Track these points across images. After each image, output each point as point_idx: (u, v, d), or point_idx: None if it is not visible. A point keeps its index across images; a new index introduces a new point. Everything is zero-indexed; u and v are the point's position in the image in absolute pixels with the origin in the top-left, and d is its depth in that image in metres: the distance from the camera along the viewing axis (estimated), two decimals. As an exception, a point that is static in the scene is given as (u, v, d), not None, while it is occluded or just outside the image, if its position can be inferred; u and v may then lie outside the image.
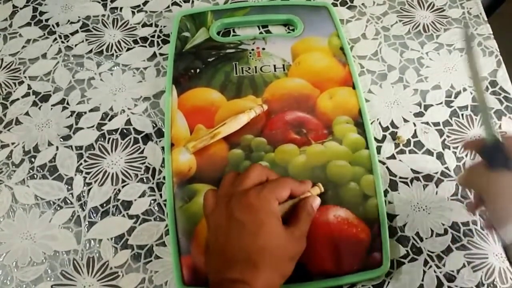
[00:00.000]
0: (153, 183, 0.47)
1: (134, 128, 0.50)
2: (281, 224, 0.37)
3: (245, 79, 0.52)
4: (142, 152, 0.49)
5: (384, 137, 0.49)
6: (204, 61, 0.53)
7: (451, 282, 0.42)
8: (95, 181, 0.47)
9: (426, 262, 0.43)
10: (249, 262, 0.35)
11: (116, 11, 0.59)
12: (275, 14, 0.57)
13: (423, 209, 0.45)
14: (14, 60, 0.56)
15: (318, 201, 0.41)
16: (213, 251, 0.38)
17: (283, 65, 0.52)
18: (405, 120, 0.50)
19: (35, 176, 0.48)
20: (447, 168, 0.47)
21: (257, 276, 0.34)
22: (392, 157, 0.48)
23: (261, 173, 0.40)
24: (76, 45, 0.57)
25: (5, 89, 0.54)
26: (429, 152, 0.48)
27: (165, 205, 0.46)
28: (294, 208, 0.40)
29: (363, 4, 0.59)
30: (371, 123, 0.49)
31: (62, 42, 0.57)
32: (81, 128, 0.51)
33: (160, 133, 0.50)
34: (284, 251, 0.36)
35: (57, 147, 0.50)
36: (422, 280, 0.42)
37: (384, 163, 0.48)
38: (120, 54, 0.56)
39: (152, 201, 0.46)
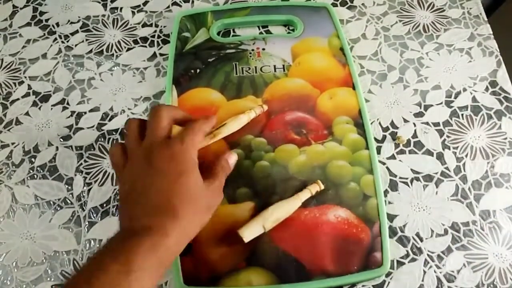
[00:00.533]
0: (153, 183, 0.47)
1: (134, 128, 0.50)
2: (200, 174, 0.37)
3: (245, 79, 0.52)
4: (142, 152, 0.49)
5: (384, 137, 0.49)
6: (204, 61, 0.53)
7: (451, 283, 0.42)
8: (95, 181, 0.48)
9: (426, 262, 0.43)
10: (167, 208, 0.34)
11: (116, 11, 0.59)
12: (275, 14, 0.57)
13: (423, 209, 0.45)
14: (14, 60, 0.56)
15: (234, 157, 0.43)
16: (128, 200, 0.36)
17: (283, 65, 0.53)
18: (405, 120, 0.50)
19: (35, 176, 0.48)
20: (447, 168, 0.47)
21: (175, 222, 0.34)
22: (392, 157, 0.48)
23: (168, 114, 0.39)
24: (76, 45, 0.57)
25: (5, 89, 0.54)
26: (429, 152, 0.48)
27: (165, 205, 0.46)
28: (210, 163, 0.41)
29: (363, 4, 0.59)
30: (371, 123, 0.49)
31: (62, 42, 0.57)
32: (81, 128, 0.51)
33: (160, 133, 0.50)
34: (203, 199, 0.37)
35: (57, 147, 0.50)
36: (422, 281, 0.42)
37: (384, 163, 0.48)
38: (120, 54, 0.56)
39: (152, 201, 0.46)
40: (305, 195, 0.44)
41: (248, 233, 0.41)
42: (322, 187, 0.44)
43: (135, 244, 0.32)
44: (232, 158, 0.43)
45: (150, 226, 0.33)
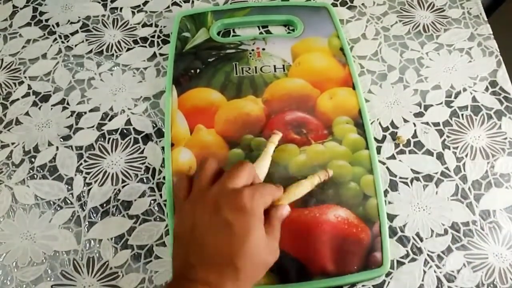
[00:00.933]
0: (153, 183, 0.47)
1: (134, 128, 0.50)
2: (264, 231, 0.36)
3: (245, 79, 0.52)
4: (142, 152, 0.49)
5: (384, 137, 0.49)
6: (204, 61, 0.53)
7: (451, 282, 0.42)
8: (95, 181, 0.48)
9: (426, 262, 0.43)
10: (230, 269, 0.34)
11: (116, 11, 0.59)
12: (275, 14, 0.57)
13: (423, 209, 0.45)
14: (14, 60, 0.56)
15: (287, 210, 0.40)
16: (186, 242, 0.36)
17: (283, 65, 0.53)
18: (405, 120, 0.50)
19: (35, 176, 0.48)
20: (447, 168, 0.47)
21: (233, 281, 0.33)
22: (392, 157, 0.48)
23: (250, 174, 0.39)
24: (76, 45, 0.57)
25: (5, 89, 0.54)
26: (429, 152, 0.48)
27: (165, 205, 0.46)
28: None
29: (363, 4, 0.59)
30: (371, 123, 0.50)
31: (62, 42, 0.57)
32: (81, 128, 0.51)
33: (160, 133, 0.50)
34: (264, 259, 0.36)
35: (57, 147, 0.50)
36: (422, 280, 0.42)
37: (384, 163, 0.48)
38: (120, 54, 0.56)
39: (152, 201, 0.46)
40: (315, 179, 0.44)
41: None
42: (331, 174, 0.45)
43: None
44: (285, 211, 0.40)
45: (208, 281, 0.33)
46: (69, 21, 0.59)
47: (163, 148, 0.48)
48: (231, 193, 0.36)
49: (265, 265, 0.36)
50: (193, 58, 0.53)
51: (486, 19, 0.57)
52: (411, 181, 0.47)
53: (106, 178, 0.48)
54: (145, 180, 0.47)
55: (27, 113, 0.52)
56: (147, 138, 0.50)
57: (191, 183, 0.39)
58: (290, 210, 0.41)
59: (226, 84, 0.51)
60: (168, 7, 0.59)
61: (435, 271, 0.42)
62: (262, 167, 0.44)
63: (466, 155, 0.48)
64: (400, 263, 0.43)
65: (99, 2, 0.60)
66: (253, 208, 0.35)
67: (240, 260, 0.34)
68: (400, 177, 0.47)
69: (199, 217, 0.36)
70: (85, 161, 0.49)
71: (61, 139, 0.50)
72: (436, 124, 0.50)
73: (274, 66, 0.52)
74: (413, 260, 0.43)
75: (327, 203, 0.44)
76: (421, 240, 0.44)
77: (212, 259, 0.34)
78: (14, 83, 0.54)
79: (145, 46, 0.56)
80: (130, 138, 0.50)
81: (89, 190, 0.47)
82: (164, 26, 0.58)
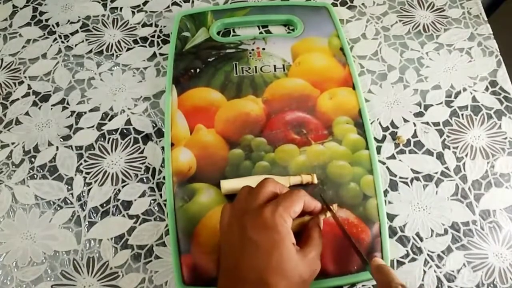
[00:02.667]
0: (153, 183, 0.47)
1: (134, 128, 0.50)
2: (294, 244, 0.36)
3: (245, 79, 0.52)
4: (142, 152, 0.49)
5: (384, 137, 0.49)
6: (204, 61, 0.53)
7: (451, 282, 0.42)
8: (95, 181, 0.48)
9: (426, 262, 0.43)
10: (261, 282, 0.34)
11: (116, 11, 0.59)
12: (275, 14, 0.57)
13: (423, 209, 0.45)
14: (14, 60, 0.56)
15: (322, 220, 0.40)
16: (225, 268, 0.37)
17: (283, 65, 0.53)
18: (405, 120, 0.50)
19: (35, 176, 0.48)
20: (447, 168, 0.47)
21: None
22: (392, 157, 0.48)
23: (274, 188, 0.39)
24: (76, 45, 0.57)
25: (5, 89, 0.54)
26: (429, 152, 0.48)
27: (165, 205, 0.46)
28: (303, 226, 0.39)
29: (363, 4, 0.59)
30: (371, 123, 0.50)
31: (62, 42, 0.57)
32: (81, 128, 0.51)
33: (160, 133, 0.50)
34: (297, 273, 0.35)
35: (57, 147, 0.50)
36: (422, 280, 0.42)
37: (384, 163, 0.48)
38: (120, 54, 0.56)
39: (152, 201, 0.46)
40: (295, 179, 0.45)
41: (227, 184, 0.44)
42: (315, 181, 0.45)
43: None
44: (322, 221, 0.40)
45: None
46: (69, 21, 0.59)
47: (163, 148, 0.48)
48: (253, 212, 0.36)
49: (301, 278, 0.35)
50: (193, 58, 0.53)
51: (486, 19, 0.57)
52: (411, 181, 0.47)
53: (106, 178, 0.48)
54: (145, 180, 0.47)
55: (27, 113, 0.52)
56: (147, 138, 0.50)
57: None
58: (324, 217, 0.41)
59: (226, 84, 0.51)
60: (168, 6, 0.59)
61: (435, 271, 0.42)
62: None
63: (466, 155, 0.48)
64: (400, 263, 0.43)
65: (99, 2, 0.60)
66: (275, 224, 0.35)
67: (269, 276, 0.34)
68: (400, 177, 0.47)
69: (230, 239, 0.37)
70: (85, 161, 0.49)
71: (61, 139, 0.50)
72: (436, 124, 0.50)
73: (274, 66, 0.52)
74: (413, 260, 0.43)
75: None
76: (421, 240, 0.44)
77: (246, 278, 0.34)
78: (14, 83, 0.54)
79: (145, 46, 0.56)
80: (130, 138, 0.50)
81: (89, 190, 0.47)
82: (164, 26, 0.58)
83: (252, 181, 0.42)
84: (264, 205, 0.36)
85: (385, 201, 0.45)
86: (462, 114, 0.50)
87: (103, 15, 0.59)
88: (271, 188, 0.38)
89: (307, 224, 0.39)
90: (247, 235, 0.35)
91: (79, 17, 0.59)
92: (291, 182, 0.45)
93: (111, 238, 0.45)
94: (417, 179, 0.47)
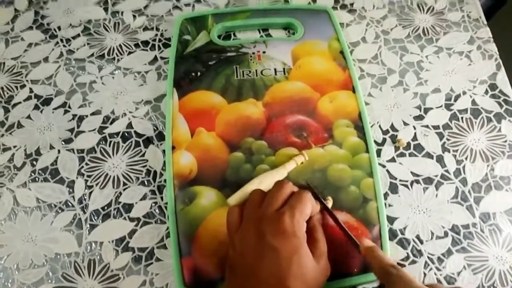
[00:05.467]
0: (154, 186, 0.47)
1: (135, 131, 0.51)
2: (309, 250, 0.37)
3: (246, 82, 0.52)
4: (143, 155, 0.49)
5: (384, 140, 0.49)
6: (205, 65, 0.53)
7: (452, 285, 0.42)
8: (96, 184, 0.48)
9: (426, 265, 0.43)
10: (282, 287, 0.34)
11: (117, 15, 0.60)
12: (275, 17, 0.57)
13: (423, 212, 0.45)
14: (16, 63, 0.56)
15: (318, 218, 0.41)
16: (240, 272, 0.37)
17: (284, 68, 0.53)
18: (405, 123, 0.50)
19: (37, 179, 0.48)
20: (447, 171, 0.47)
21: None
22: (392, 160, 0.48)
23: (288, 191, 0.39)
24: (77, 49, 0.57)
25: (7, 93, 0.54)
26: (429, 155, 0.48)
27: (166, 207, 0.46)
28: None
29: (363, 8, 0.59)
30: (371, 127, 0.50)
31: (64, 46, 0.57)
32: (83, 132, 0.51)
33: (161, 136, 0.50)
34: (315, 276, 0.36)
35: (58, 150, 0.50)
36: (423, 283, 0.42)
37: (384, 166, 0.48)
38: (121, 58, 0.56)
39: (153, 204, 0.46)
40: (291, 165, 0.45)
41: (236, 200, 0.43)
42: (307, 158, 0.45)
43: None
44: (319, 216, 0.41)
45: None
46: (70, 25, 0.59)
47: (164, 151, 0.48)
48: (272, 219, 0.37)
49: (318, 283, 0.37)
50: (194, 61, 0.53)
51: (485, 22, 0.57)
52: (411, 184, 0.47)
53: (107, 181, 0.48)
54: (146, 183, 0.48)
55: (28, 117, 0.52)
56: (148, 141, 0.50)
57: (241, 215, 0.40)
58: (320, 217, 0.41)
59: (226, 87, 0.51)
60: (169, 10, 0.60)
61: (435, 274, 0.43)
62: (273, 179, 0.44)
63: (466, 158, 0.48)
64: (400, 266, 0.43)
65: (101, 6, 0.61)
66: (294, 231, 0.36)
67: (290, 282, 0.34)
68: (400, 180, 0.47)
69: (247, 244, 0.37)
70: (86, 164, 0.49)
71: (63, 142, 0.50)
72: (436, 127, 0.50)
73: (275, 69, 0.53)
74: (413, 262, 0.43)
75: (327, 206, 0.44)
76: (421, 242, 0.44)
77: (265, 283, 0.35)
78: (16, 87, 0.54)
79: (146, 50, 0.56)
80: (131, 141, 0.50)
81: (90, 193, 0.47)
82: (165, 30, 0.58)
83: (254, 186, 0.43)
84: (282, 211, 0.37)
85: (385, 204, 0.45)
86: (462, 117, 0.50)
87: (105, 19, 0.59)
88: (285, 191, 0.39)
89: (308, 223, 0.39)
90: (266, 242, 0.36)
91: (80, 21, 0.59)
92: (288, 169, 0.45)
93: (112, 241, 0.45)
94: (417, 182, 0.47)
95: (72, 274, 0.43)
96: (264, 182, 0.44)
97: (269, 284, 0.35)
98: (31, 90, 0.54)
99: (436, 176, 0.47)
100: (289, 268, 0.35)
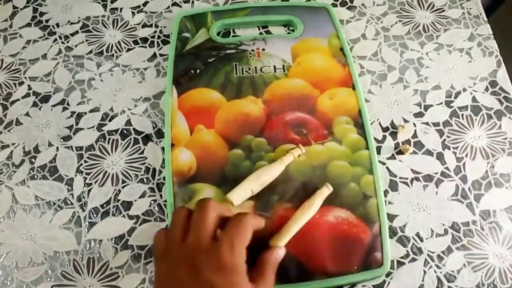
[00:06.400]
0: (153, 184, 0.47)
1: (134, 129, 0.50)
2: (249, 282, 0.33)
3: (245, 79, 0.52)
4: (142, 152, 0.49)
5: (384, 137, 0.49)
6: (204, 62, 0.53)
7: (451, 282, 0.42)
8: (95, 182, 0.48)
9: (426, 262, 0.43)
10: None
11: (116, 11, 0.59)
12: (275, 14, 0.57)
13: (423, 209, 0.45)
14: (14, 60, 0.56)
15: (282, 253, 0.39)
16: None
17: (283, 65, 0.53)
18: (405, 121, 0.50)
19: (35, 176, 0.48)
20: (447, 168, 0.47)
21: None
22: (392, 157, 0.48)
23: (219, 211, 0.36)
24: (76, 45, 0.57)
25: (5, 90, 0.54)
26: (429, 152, 0.48)
27: (165, 205, 0.46)
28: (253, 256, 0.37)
29: (363, 4, 0.59)
30: (371, 124, 0.50)
31: (62, 42, 0.57)
32: (81, 129, 0.51)
33: (160, 134, 0.50)
34: None
35: (57, 148, 0.50)
36: (423, 280, 0.42)
37: (384, 163, 0.48)
38: (120, 55, 0.56)
39: (152, 202, 0.46)
40: (288, 158, 0.45)
41: (236, 196, 0.42)
42: (304, 151, 0.45)
43: None
44: (280, 255, 0.39)
45: None
46: (69, 21, 0.59)
47: (163, 148, 0.48)
48: (208, 251, 0.33)
49: None
50: (193, 59, 0.53)
51: (486, 19, 0.57)
52: (411, 181, 0.47)
53: (106, 179, 0.48)
54: (145, 181, 0.47)
55: (27, 114, 0.52)
56: (147, 138, 0.50)
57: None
58: (284, 253, 0.39)
59: (226, 84, 0.51)
60: (168, 7, 0.59)
61: (435, 271, 0.42)
62: (270, 173, 0.44)
63: (466, 155, 0.48)
64: (400, 263, 0.43)
65: (99, 3, 0.60)
66: (234, 264, 0.33)
67: None
68: (400, 177, 0.47)
69: (179, 279, 0.33)
70: (85, 161, 0.49)
71: (61, 140, 0.50)
72: (436, 124, 0.50)
73: (274, 66, 0.53)
74: (413, 260, 0.43)
75: (327, 204, 0.44)
76: (421, 240, 0.44)
77: None
78: (14, 84, 0.54)
79: (145, 47, 0.56)
80: (130, 139, 0.50)
81: (89, 190, 0.47)
82: (164, 27, 0.58)
83: (252, 182, 0.42)
84: (218, 242, 0.34)
85: (385, 201, 0.45)
86: (462, 115, 0.50)
87: (103, 16, 0.59)
88: (214, 213, 0.35)
89: (260, 258, 0.37)
90: (203, 277, 0.32)
91: (79, 17, 0.59)
92: (286, 163, 0.45)
93: (111, 239, 0.45)
94: (417, 179, 0.47)
95: (71, 272, 0.43)
96: (262, 177, 0.44)
97: None
98: (29, 87, 0.54)
99: (436, 173, 0.47)
100: None
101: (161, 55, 0.55)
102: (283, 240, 0.40)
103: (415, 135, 0.49)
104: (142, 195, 0.47)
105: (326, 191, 0.44)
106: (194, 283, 0.33)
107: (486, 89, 0.52)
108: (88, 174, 0.48)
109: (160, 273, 0.36)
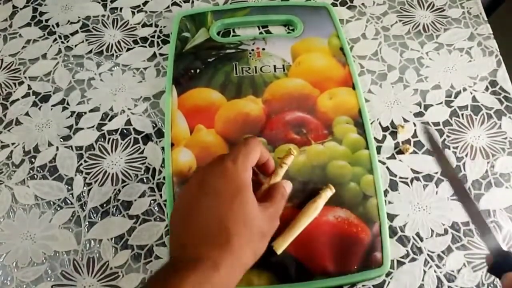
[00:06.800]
0: (153, 183, 0.47)
1: (134, 128, 0.50)
2: (254, 195, 0.35)
3: (245, 79, 0.52)
4: (142, 152, 0.49)
5: (384, 137, 0.49)
6: (204, 61, 0.53)
7: (451, 282, 0.42)
8: (95, 181, 0.48)
9: (426, 262, 0.43)
10: (219, 233, 0.33)
11: (116, 11, 0.59)
12: (275, 14, 0.57)
13: (423, 209, 0.45)
14: (14, 60, 0.56)
15: (290, 185, 0.41)
16: (179, 225, 0.35)
17: (283, 65, 0.53)
18: (405, 120, 0.50)
19: (35, 176, 0.48)
20: (447, 168, 0.47)
21: (226, 251, 0.32)
22: (392, 157, 0.48)
23: (259, 147, 0.38)
24: (76, 45, 0.57)
25: (5, 90, 0.54)
26: (429, 152, 0.48)
27: (165, 205, 0.46)
28: (266, 192, 0.39)
29: (363, 4, 0.59)
30: (371, 123, 0.49)
31: (62, 42, 0.57)
32: (81, 129, 0.51)
33: (160, 133, 0.50)
34: (257, 223, 0.34)
35: (57, 148, 0.50)
36: (422, 280, 0.42)
37: (384, 163, 0.48)
38: (120, 54, 0.56)
39: (152, 201, 0.46)
40: (289, 160, 0.43)
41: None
42: (295, 153, 0.43)
43: (178, 281, 0.29)
44: (289, 186, 0.41)
45: (198, 257, 0.31)
46: (69, 21, 0.59)
47: (163, 148, 0.48)
48: (214, 162, 0.36)
49: (262, 233, 0.35)
50: (193, 58, 0.53)
51: (486, 18, 0.57)
52: (411, 181, 0.47)
53: (106, 178, 0.48)
54: (145, 180, 0.47)
55: (27, 114, 0.52)
56: (147, 138, 0.50)
57: None
58: (291, 187, 0.42)
59: (226, 84, 0.51)
60: (168, 7, 0.59)
61: (435, 271, 0.42)
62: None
63: (466, 155, 0.48)
64: (400, 263, 0.43)
65: (99, 2, 0.60)
66: (237, 171, 0.35)
67: (231, 223, 0.33)
68: (400, 177, 0.47)
69: (186, 196, 0.36)
70: (85, 161, 0.49)
71: (61, 139, 0.50)
72: (436, 124, 0.50)
73: (274, 66, 0.52)
74: (413, 260, 0.43)
75: (327, 204, 0.44)
76: (421, 240, 0.44)
77: (202, 231, 0.33)
78: (14, 83, 0.54)
79: (145, 46, 0.56)
80: (130, 138, 0.50)
81: (89, 190, 0.47)
82: (164, 26, 0.58)
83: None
84: (224, 154, 0.36)
85: (385, 201, 0.45)
86: (462, 114, 0.50)
87: (103, 16, 0.59)
88: (258, 148, 0.38)
89: (272, 188, 0.39)
90: (206, 185, 0.35)
91: (79, 17, 0.59)
92: (288, 163, 0.43)
93: (111, 238, 0.45)
94: (417, 179, 0.47)
95: (71, 272, 0.43)
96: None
97: (208, 231, 0.33)
98: (29, 87, 0.54)
99: (436, 173, 0.47)
100: (230, 209, 0.33)
101: (161, 54, 0.55)
102: (286, 243, 0.40)
103: (415, 135, 0.49)
104: (142, 195, 0.47)
105: (329, 192, 0.43)
106: (199, 194, 0.35)
107: (486, 88, 0.52)
108: (88, 173, 0.48)
109: (175, 205, 0.37)
